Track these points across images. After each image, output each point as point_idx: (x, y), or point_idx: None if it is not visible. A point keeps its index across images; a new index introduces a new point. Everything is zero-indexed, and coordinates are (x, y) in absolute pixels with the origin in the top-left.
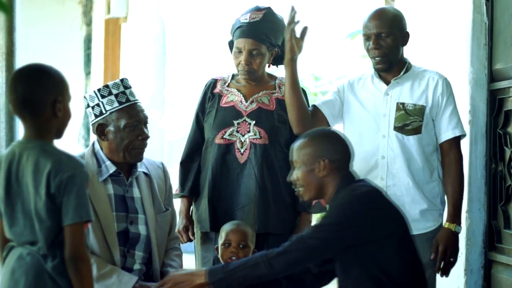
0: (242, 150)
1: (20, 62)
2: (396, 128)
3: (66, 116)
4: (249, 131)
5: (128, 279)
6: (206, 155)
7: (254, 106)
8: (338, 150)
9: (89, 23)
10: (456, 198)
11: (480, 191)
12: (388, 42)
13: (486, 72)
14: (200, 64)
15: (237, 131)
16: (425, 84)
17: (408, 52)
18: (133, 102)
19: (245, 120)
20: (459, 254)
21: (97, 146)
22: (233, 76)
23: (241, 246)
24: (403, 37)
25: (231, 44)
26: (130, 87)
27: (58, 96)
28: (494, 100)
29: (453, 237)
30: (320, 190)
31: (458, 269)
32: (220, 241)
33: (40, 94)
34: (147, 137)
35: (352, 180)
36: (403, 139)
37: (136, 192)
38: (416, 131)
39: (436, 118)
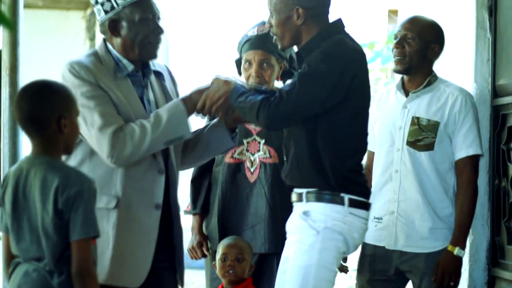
0: (252, 169)
1: (24, 77)
2: (409, 143)
3: (73, 132)
4: (259, 150)
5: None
6: (216, 174)
7: None
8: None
9: (92, 38)
10: (463, 220)
11: (483, 207)
12: (411, 45)
13: (490, 88)
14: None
15: (247, 150)
16: (444, 100)
17: None
18: None
19: (254, 138)
20: (462, 270)
21: (109, 45)
22: None
23: (238, 260)
24: (431, 48)
25: (238, 62)
26: None
27: (63, 112)
28: (498, 115)
29: (454, 261)
30: (296, 37)
31: (462, 286)
32: (218, 256)
33: (45, 111)
34: (162, 31)
35: (333, 31)
36: (415, 154)
37: (151, 95)
38: (428, 147)
39: (453, 135)
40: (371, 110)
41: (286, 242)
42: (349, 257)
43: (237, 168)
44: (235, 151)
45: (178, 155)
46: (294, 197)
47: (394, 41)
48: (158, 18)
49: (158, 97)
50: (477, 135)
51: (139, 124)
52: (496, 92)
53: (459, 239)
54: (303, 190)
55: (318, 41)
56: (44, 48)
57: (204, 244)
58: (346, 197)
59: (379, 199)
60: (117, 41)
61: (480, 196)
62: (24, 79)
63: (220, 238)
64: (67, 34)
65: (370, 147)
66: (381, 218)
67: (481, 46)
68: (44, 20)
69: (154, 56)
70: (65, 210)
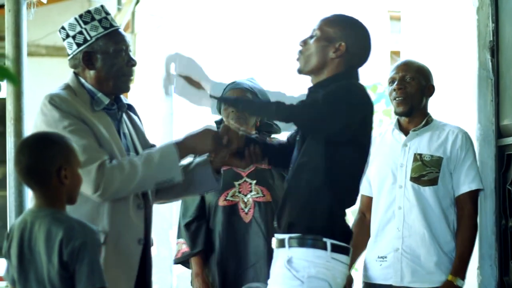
0: (246, 210)
1: (28, 127)
2: (413, 179)
3: (75, 182)
4: (251, 191)
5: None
6: (211, 218)
7: (251, 167)
8: (362, 48)
9: None
10: (463, 250)
11: (491, 247)
12: (412, 85)
13: (494, 128)
14: (208, 119)
15: (239, 192)
16: (445, 137)
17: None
18: (116, 27)
19: (245, 180)
20: None
21: (81, 79)
22: None
23: None
24: (428, 88)
25: (218, 123)
26: (109, 13)
27: (63, 163)
28: (503, 156)
29: None
30: (319, 67)
31: None
32: None
33: (44, 163)
34: (135, 63)
35: (351, 76)
36: (419, 189)
37: (125, 129)
38: (432, 182)
39: (454, 171)
40: None
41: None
42: None
43: (232, 210)
44: (227, 194)
45: (153, 191)
46: (275, 243)
47: (394, 84)
48: (130, 50)
49: (131, 131)
50: (477, 171)
51: (128, 160)
52: (500, 133)
53: (460, 270)
54: (285, 236)
55: (336, 80)
56: None
57: None
58: (329, 242)
59: (382, 238)
60: (91, 73)
61: (487, 236)
62: (29, 129)
63: (221, 281)
64: None
65: (363, 191)
66: (386, 257)
67: (483, 87)
68: (48, 68)
69: (128, 88)
70: (70, 262)
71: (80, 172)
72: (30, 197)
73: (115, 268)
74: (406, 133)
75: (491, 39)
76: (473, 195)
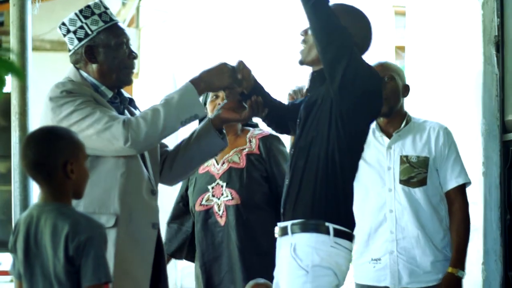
0: (220, 213)
1: (33, 121)
2: (402, 182)
3: (81, 177)
4: (222, 194)
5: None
6: (195, 222)
7: (225, 167)
8: (363, 37)
9: None
10: (460, 243)
11: (495, 242)
12: (390, 85)
13: (498, 124)
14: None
15: (213, 195)
16: (427, 136)
17: (420, 103)
18: (116, 21)
19: (218, 183)
20: None
21: (83, 73)
22: None
23: None
24: (405, 88)
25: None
26: (108, 8)
27: (69, 157)
28: (507, 151)
29: (457, 281)
30: (319, 60)
31: None
32: None
33: (50, 157)
34: (136, 55)
35: None
36: (410, 191)
37: None
38: (422, 183)
39: (440, 168)
40: None
41: (276, 276)
42: None
43: (208, 214)
44: (202, 199)
45: (168, 168)
46: (278, 231)
47: None
48: (130, 43)
49: None
50: (462, 165)
51: (150, 108)
52: (505, 128)
53: (459, 262)
54: (288, 223)
55: None
56: None
57: None
58: (331, 226)
59: (375, 241)
60: (93, 67)
61: (492, 231)
62: (33, 123)
63: (205, 283)
64: None
65: None
66: (379, 259)
67: (488, 82)
68: (52, 63)
69: (130, 81)
70: (76, 257)
71: (105, 127)
72: (35, 192)
73: (129, 251)
74: (387, 134)
75: (496, 34)
76: (461, 188)
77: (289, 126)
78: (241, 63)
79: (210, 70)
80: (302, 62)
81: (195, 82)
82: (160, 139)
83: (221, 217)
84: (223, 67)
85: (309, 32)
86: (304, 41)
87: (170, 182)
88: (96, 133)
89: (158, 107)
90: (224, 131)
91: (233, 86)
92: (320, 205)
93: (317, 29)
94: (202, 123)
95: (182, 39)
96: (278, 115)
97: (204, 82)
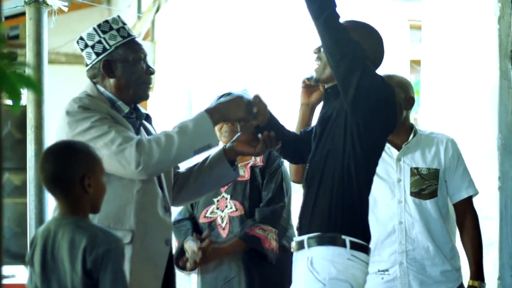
0: (223, 225)
1: (49, 134)
2: (413, 194)
3: (99, 191)
4: (226, 206)
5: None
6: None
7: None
8: (375, 51)
9: None
10: (475, 254)
11: (511, 257)
12: None
13: None
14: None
15: (217, 208)
16: (435, 147)
17: (436, 117)
18: (134, 36)
19: (223, 196)
20: None
21: (100, 87)
22: None
23: None
24: (407, 100)
25: None
26: (126, 23)
27: (86, 172)
28: None
29: None
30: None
31: None
32: None
33: (68, 171)
34: (154, 71)
35: None
36: (421, 203)
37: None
38: (432, 194)
39: (449, 179)
40: None
41: None
42: None
43: (211, 226)
44: (207, 211)
45: (176, 191)
46: (294, 246)
47: None
48: (147, 59)
49: None
50: (470, 176)
51: (163, 133)
52: None
53: (479, 274)
54: (304, 237)
55: None
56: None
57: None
58: (348, 239)
59: (381, 251)
60: (110, 82)
61: (508, 246)
62: (49, 136)
63: None
64: None
65: None
66: (387, 270)
67: (504, 96)
68: (67, 76)
69: (147, 96)
70: (94, 270)
71: (118, 149)
72: (50, 205)
73: (142, 267)
74: (394, 146)
75: None
76: (471, 199)
77: (304, 156)
78: (257, 97)
79: (227, 102)
80: (317, 80)
81: (210, 112)
82: (171, 166)
83: (223, 229)
84: (239, 99)
85: (322, 49)
86: (319, 58)
87: (177, 203)
88: (109, 155)
89: (172, 133)
90: (237, 163)
91: (248, 119)
92: (337, 218)
93: (329, 45)
94: (216, 151)
95: (197, 53)
96: (293, 147)
97: (219, 113)
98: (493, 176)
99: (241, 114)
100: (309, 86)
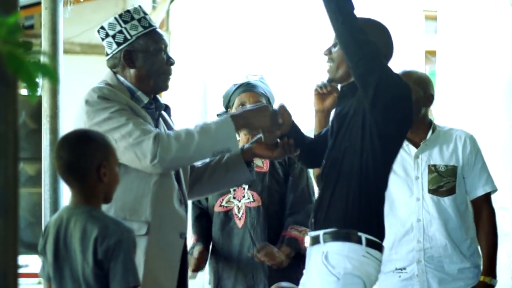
0: (239, 215)
1: (64, 124)
2: (431, 191)
3: (113, 180)
4: (244, 196)
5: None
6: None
7: None
8: (387, 46)
9: None
10: (491, 252)
11: None
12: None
13: None
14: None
15: (234, 197)
16: (454, 144)
17: (451, 109)
18: (155, 26)
19: (240, 185)
20: None
21: (120, 77)
22: None
23: None
24: (427, 98)
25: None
26: (147, 14)
27: (102, 161)
28: None
29: None
30: (348, 74)
31: None
32: None
33: (84, 160)
34: (174, 62)
35: None
36: (439, 201)
37: (161, 128)
38: (450, 191)
39: (467, 176)
40: None
41: (303, 285)
42: None
43: (227, 216)
44: (223, 200)
45: (189, 186)
46: (309, 240)
47: None
48: (168, 49)
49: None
50: (489, 172)
51: (185, 129)
52: None
53: (491, 270)
54: (319, 232)
55: None
56: (82, 93)
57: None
58: (364, 236)
59: (399, 250)
60: (131, 72)
61: None
62: (64, 126)
63: (216, 284)
64: None
65: None
66: (405, 268)
67: None
68: (82, 65)
69: (167, 87)
70: (104, 260)
71: (135, 141)
72: (65, 195)
73: (158, 259)
74: (413, 143)
75: None
76: (489, 196)
77: (320, 160)
78: (282, 107)
79: (252, 110)
80: (331, 80)
81: (235, 117)
82: (187, 163)
83: (239, 219)
84: (265, 109)
85: (333, 50)
86: (331, 60)
87: (188, 197)
88: (125, 147)
89: (193, 131)
90: (253, 164)
91: (273, 129)
92: (353, 214)
93: (348, 46)
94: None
95: (212, 42)
96: (311, 154)
97: (243, 119)
98: (508, 168)
99: (266, 123)
100: (322, 94)
